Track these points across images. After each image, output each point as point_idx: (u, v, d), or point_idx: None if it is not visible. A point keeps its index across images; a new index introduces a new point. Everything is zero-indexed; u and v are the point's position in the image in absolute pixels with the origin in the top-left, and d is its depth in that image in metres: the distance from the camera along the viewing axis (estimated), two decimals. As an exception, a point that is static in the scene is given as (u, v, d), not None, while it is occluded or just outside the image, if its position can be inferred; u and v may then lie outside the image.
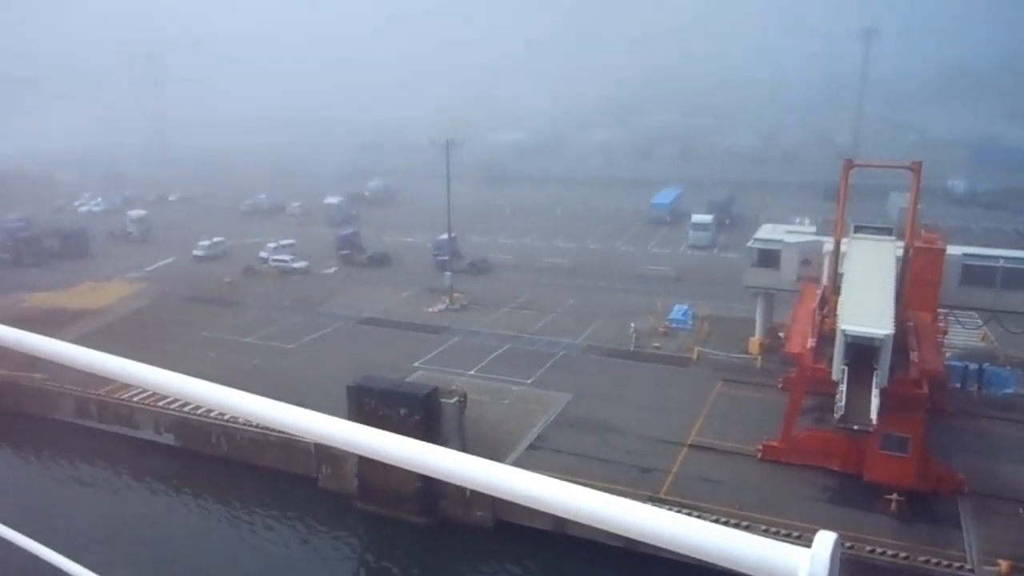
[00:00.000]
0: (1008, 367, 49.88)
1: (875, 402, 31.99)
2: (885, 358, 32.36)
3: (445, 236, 75.02)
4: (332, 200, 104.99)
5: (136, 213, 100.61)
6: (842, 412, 32.21)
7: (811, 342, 37.10)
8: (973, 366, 48.10)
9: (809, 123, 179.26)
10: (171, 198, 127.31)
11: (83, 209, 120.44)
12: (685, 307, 60.67)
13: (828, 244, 48.39)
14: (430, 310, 64.23)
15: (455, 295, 65.69)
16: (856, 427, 32.14)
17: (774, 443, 38.45)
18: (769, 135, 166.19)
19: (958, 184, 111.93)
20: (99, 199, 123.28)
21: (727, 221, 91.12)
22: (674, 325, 58.53)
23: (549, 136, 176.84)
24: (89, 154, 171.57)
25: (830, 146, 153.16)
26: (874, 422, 31.69)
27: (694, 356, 52.47)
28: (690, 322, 58.96)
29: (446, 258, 72.77)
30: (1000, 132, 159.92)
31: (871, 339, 32.65)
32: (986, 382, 47.61)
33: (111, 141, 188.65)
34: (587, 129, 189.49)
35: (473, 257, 77.25)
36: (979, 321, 53.90)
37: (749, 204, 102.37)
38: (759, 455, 38.71)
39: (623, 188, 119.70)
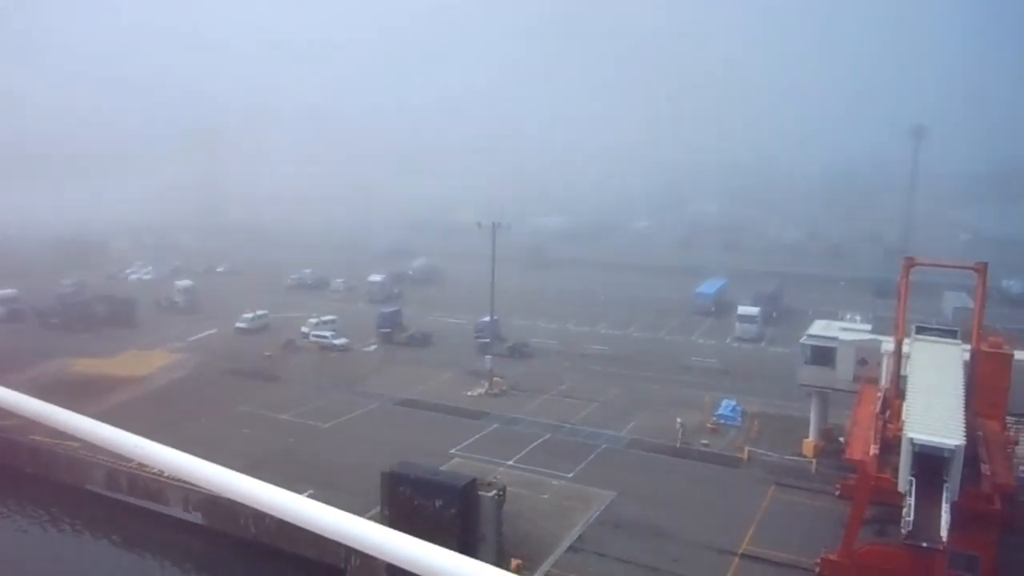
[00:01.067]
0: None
1: (945, 518, 29.66)
2: (956, 470, 30.19)
3: (487, 319, 74.25)
4: (376, 278, 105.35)
5: (183, 283, 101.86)
6: (910, 528, 29.87)
7: (874, 449, 34.92)
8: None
9: (856, 218, 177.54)
10: (219, 269, 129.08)
11: (133, 277, 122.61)
12: (734, 403, 58.50)
13: (886, 343, 46.63)
14: (470, 394, 62.90)
15: (495, 379, 64.39)
16: (925, 544, 29.69)
17: (833, 557, 35.87)
18: (815, 229, 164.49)
19: (1015, 285, 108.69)
20: (149, 268, 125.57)
21: (774, 314, 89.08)
22: (722, 421, 56.32)
23: (592, 221, 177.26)
24: (143, 224, 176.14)
25: (878, 242, 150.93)
26: (944, 540, 29.29)
27: (744, 456, 50.14)
28: (739, 419, 56.72)
29: (487, 341, 71.75)
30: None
31: (941, 449, 30.54)
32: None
33: (166, 212, 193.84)
34: (630, 215, 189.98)
35: (515, 340, 76.15)
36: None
37: (796, 298, 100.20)
38: (817, 570, 36.12)
39: (666, 276, 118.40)
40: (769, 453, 50.69)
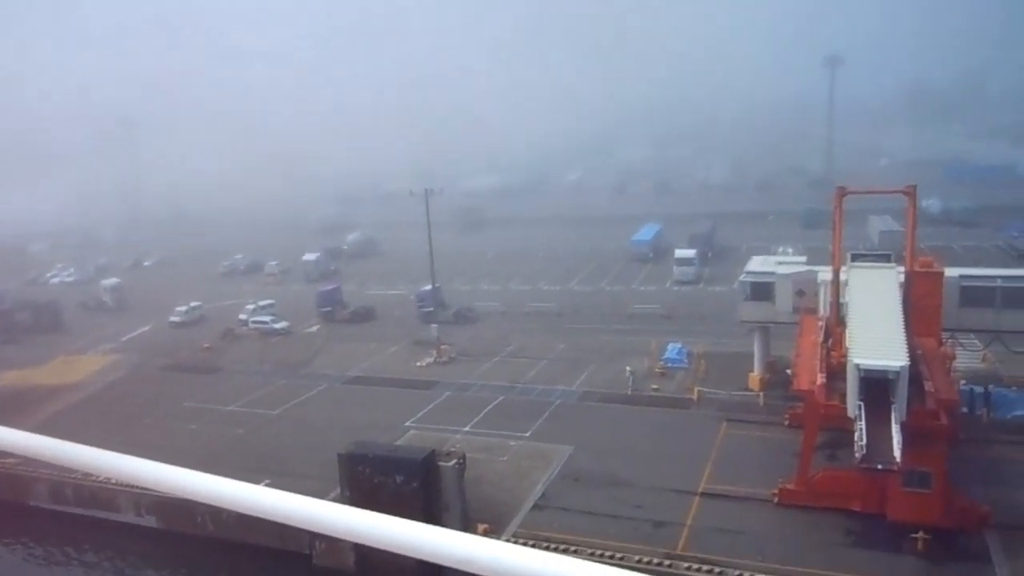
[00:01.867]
0: (1014, 388, 48.76)
1: (897, 438, 30.54)
2: (903, 391, 31.02)
3: (429, 287, 73.49)
4: (310, 256, 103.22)
5: (109, 282, 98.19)
6: (864, 452, 30.67)
7: (821, 378, 35.72)
8: (979, 389, 46.91)
9: (780, 152, 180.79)
10: (146, 263, 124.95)
11: (55, 280, 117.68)
12: (679, 346, 59.26)
13: (822, 274, 47.60)
14: (418, 364, 62.36)
15: (443, 347, 63.92)
16: (880, 466, 30.58)
17: (790, 487, 36.82)
18: (741, 166, 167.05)
19: (933, 204, 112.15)
20: (71, 269, 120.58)
21: (710, 254, 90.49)
22: (670, 365, 57.07)
23: (523, 177, 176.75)
24: (62, 224, 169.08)
25: (803, 174, 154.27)
26: (898, 460, 30.19)
27: (695, 397, 50.95)
28: (686, 361, 57.55)
29: (431, 309, 71.11)
30: (967, 150, 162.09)
31: (886, 371, 31.33)
32: (994, 405, 46.42)
33: (84, 209, 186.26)
34: (560, 168, 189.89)
35: (458, 306, 75.66)
36: (978, 343, 52.86)
37: (729, 236, 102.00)
38: (776, 500, 37.03)
39: (602, 226, 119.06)
40: (717, 391, 51.54)
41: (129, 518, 44.38)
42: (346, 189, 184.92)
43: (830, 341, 39.64)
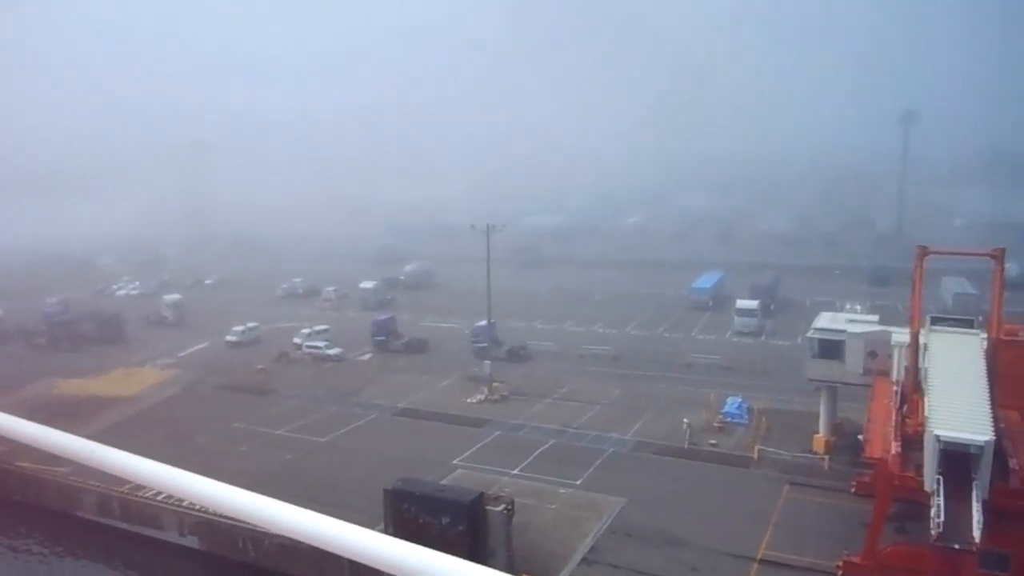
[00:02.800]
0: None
1: (977, 517, 28.39)
2: (986, 467, 28.94)
3: (484, 322, 72.86)
4: (367, 284, 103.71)
5: (171, 297, 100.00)
6: (940, 529, 28.57)
7: (896, 447, 33.66)
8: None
9: (847, 206, 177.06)
10: (207, 282, 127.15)
11: (120, 293, 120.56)
12: (739, 400, 57.20)
13: (896, 335, 45.46)
14: (470, 401, 61.42)
15: (495, 385, 62.93)
16: (959, 546, 28.42)
17: (857, 559, 34.60)
18: (806, 218, 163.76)
19: (1011, 268, 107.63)
20: (136, 283, 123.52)
21: (772, 306, 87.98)
22: (729, 419, 55.02)
23: (583, 219, 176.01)
24: (131, 239, 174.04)
25: (870, 229, 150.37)
26: (977, 540, 28.02)
27: (755, 455, 48.90)
28: (746, 416, 55.42)
29: (485, 345, 70.35)
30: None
31: (968, 446, 29.28)
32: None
33: (151, 226, 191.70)
34: (621, 212, 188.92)
35: (512, 344, 74.67)
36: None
37: (793, 289, 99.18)
38: (839, 572, 34.85)
39: (660, 271, 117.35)
40: (779, 451, 49.45)
41: (172, 537, 44.08)
42: (405, 221, 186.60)
43: (906, 408, 37.52)
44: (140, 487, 45.23)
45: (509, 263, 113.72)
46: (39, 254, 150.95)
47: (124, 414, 61.27)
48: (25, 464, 49.51)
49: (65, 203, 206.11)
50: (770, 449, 49.63)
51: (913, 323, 38.15)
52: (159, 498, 44.68)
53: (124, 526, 45.76)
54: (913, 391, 37.09)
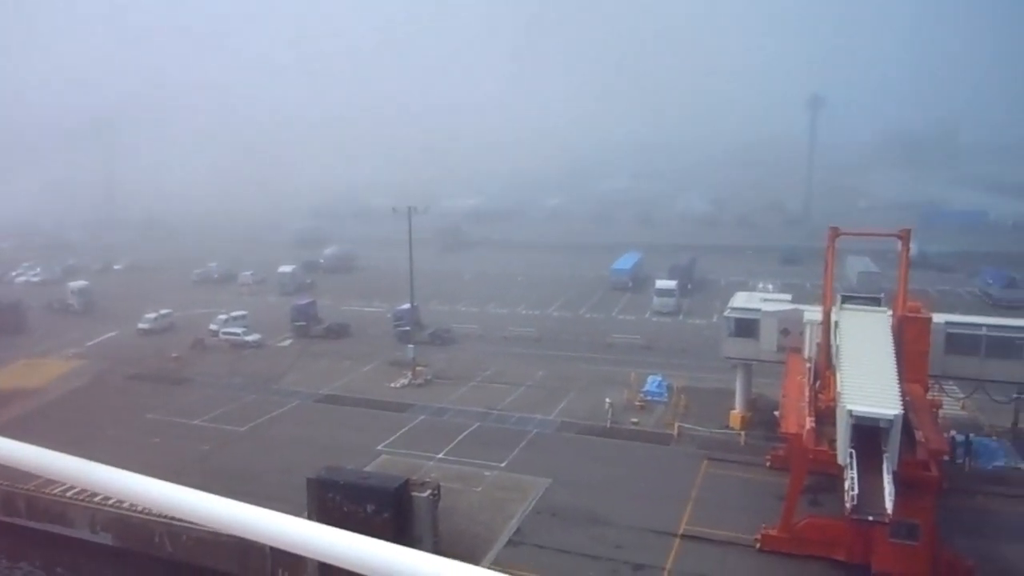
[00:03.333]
0: (994, 437, 48.47)
1: (889, 489, 29.70)
2: (895, 440, 30.25)
3: (406, 306, 72.24)
4: (286, 268, 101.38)
5: (77, 284, 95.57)
6: (855, 502, 29.79)
7: (809, 422, 34.93)
8: (960, 437, 46.44)
9: (759, 190, 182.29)
10: (116, 267, 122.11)
11: (21, 280, 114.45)
12: (659, 378, 58.41)
13: (808, 313, 47.08)
14: (393, 385, 60.87)
15: (418, 368, 62.53)
16: (872, 518, 29.71)
17: (774, 532, 35.85)
18: (721, 201, 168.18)
19: (913, 247, 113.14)
20: (38, 269, 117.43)
21: (689, 286, 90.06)
22: (650, 398, 56.12)
23: (505, 201, 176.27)
24: (31, 222, 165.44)
25: (781, 211, 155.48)
26: (889, 512, 29.34)
27: (675, 432, 50.02)
28: (666, 394, 56.64)
29: (407, 329, 69.82)
30: (943, 195, 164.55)
31: (879, 420, 30.57)
32: (975, 454, 45.96)
33: (55, 209, 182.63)
34: (540, 195, 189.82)
35: (435, 327, 74.30)
36: (958, 390, 52.54)
37: (709, 269, 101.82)
38: (758, 546, 36.03)
39: (581, 254, 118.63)
40: (698, 427, 50.70)
41: (84, 534, 42.20)
42: (324, 203, 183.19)
43: (818, 383, 38.95)
44: (47, 484, 43.26)
45: (431, 245, 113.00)
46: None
47: (27, 407, 58.33)
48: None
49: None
50: (689, 426, 50.82)
51: (825, 301, 39.56)
52: (68, 495, 42.81)
53: (32, 524, 43.59)
54: (826, 367, 38.51)
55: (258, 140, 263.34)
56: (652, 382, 57.80)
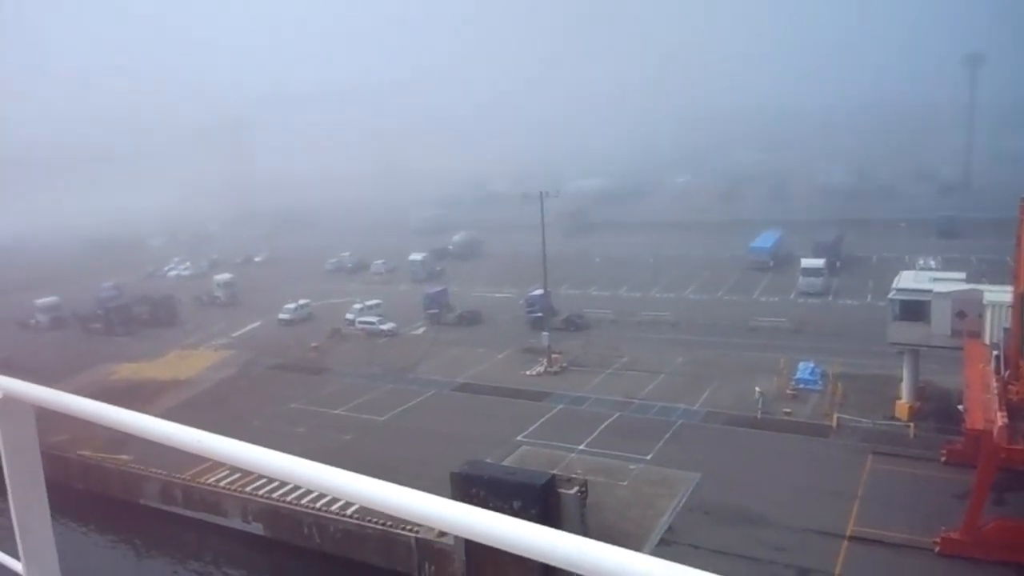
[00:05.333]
0: None
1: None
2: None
3: (538, 291, 71.01)
4: (416, 256, 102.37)
5: (222, 277, 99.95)
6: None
7: (1001, 417, 30.99)
8: None
9: (906, 155, 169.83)
10: (256, 259, 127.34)
11: (172, 274, 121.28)
12: (811, 365, 54.48)
13: (989, 293, 42.39)
14: (528, 373, 59.75)
15: (554, 356, 61.12)
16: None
17: (956, 535, 32.26)
18: (863, 170, 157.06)
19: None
20: (187, 263, 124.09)
21: (837, 264, 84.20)
22: (802, 386, 52.43)
23: (630, 181, 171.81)
24: (178, 218, 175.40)
25: (932, 179, 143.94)
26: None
27: (833, 424, 46.35)
28: (820, 382, 52.73)
29: (540, 315, 68.55)
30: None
31: (1091, 417, 26.58)
32: None
33: (199, 204, 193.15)
34: (668, 171, 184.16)
35: (568, 312, 72.65)
36: None
37: (856, 245, 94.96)
38: (937, 549, 32.54)
39: (714, 232, 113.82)
40: (859, 419, 46.78)
41: (236, 523, 43.36)
42: (448, 190, 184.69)
43: (1006, 374, 34.70)
44: (202, 473, 44.66)
45: (557, 228, 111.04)
46: (90, 239, 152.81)
47: (181, 397, 60.97)
48: (87, 452, 49.31)
49: (107, 187, 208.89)
50: (849, 417, 47.01)
51: (1018, 282, 35.07)
52: (221, 484, 44.03)
53: (188, 513, 45.22)
54: (1019, 356, 34.19)
55: (379, 130, 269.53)
56: (804, 369, 54.00)
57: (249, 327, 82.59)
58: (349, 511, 39.55)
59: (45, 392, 3.11)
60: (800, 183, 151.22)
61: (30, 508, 3.19)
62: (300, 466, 2.37)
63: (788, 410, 49.19)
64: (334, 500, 40.58)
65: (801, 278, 77.14)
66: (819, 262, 78.15)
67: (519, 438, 47.59)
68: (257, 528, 42.66)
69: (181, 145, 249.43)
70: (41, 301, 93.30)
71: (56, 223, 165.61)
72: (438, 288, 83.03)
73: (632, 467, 42.64)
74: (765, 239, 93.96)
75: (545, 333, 62.83)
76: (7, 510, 3.10)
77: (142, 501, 46.85)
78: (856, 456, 42.43)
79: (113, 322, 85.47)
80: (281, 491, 42.12)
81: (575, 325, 70.67)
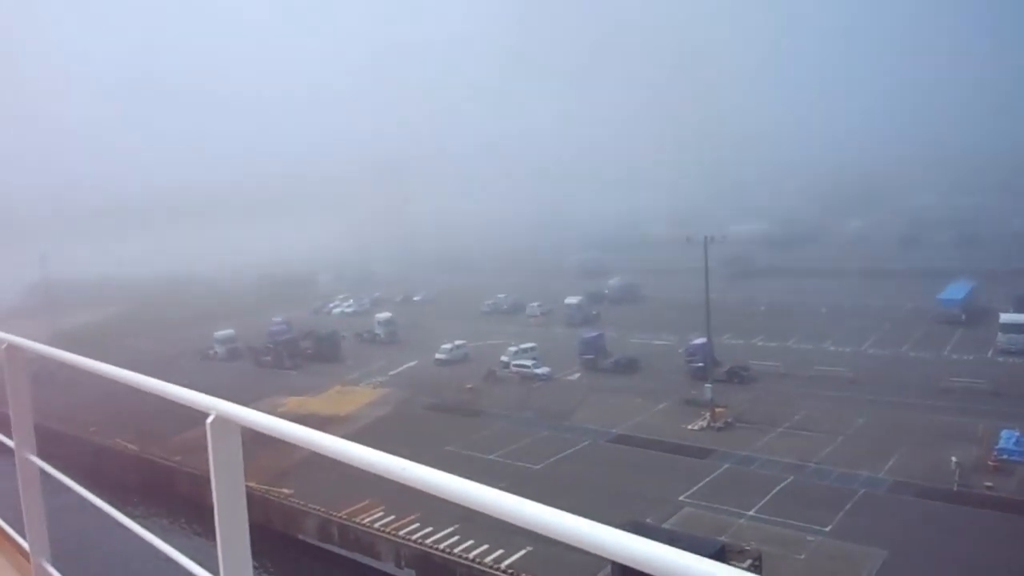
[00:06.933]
0: None
1: None
2: None
3: (700, 340, 67.73)
4: (572, 300, 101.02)
5: (383, 316, 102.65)
6: None
7: None
8: None
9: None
10: (416, 298, 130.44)
11: (337, 311, 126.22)
12: (1016, 433, 48.06)
13: None
14: (690, 427, 56.44)
15: (718, 410, 57.49)
16: None
17: None
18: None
19: None
20: (351, 301, 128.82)
21: (1041, 320, 74.95)
22: (1005, 457, 46.27)
23: (796, 225, 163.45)
24: (345, 256, 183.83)
25: None
26: None
27: (1047, 503, 40.34)
28: (1028, 454, 46.37)
29: (702, 365, 65.17)
30: None
31: None
32: None
33: (364, 243, 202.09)
34: (837, 215, 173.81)
35: (732, 363, 68.57)
36: None
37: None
38: None
39: (892, 281, 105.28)
40: (1078, 499, 40.53)
41: (389, 567, 42.91)
42: (604, 233, 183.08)
43: None
44: (358, 512, 44.64)
45: (718, 274, 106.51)
46: (265, 274, 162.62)
47: (340, 433, 60.41)
48: (252, 484, 50.67)
49: (282, 225, 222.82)
50: (1066, 497, 40.79)
51: None
52: (376, 526, 43.78)
53: (342, 552, 45.32)
54: None
55: (536, 173, 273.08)
56: (1008, 438, 47.68)
57: (406, 365, 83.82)
58: (504, 564, 38.02)
59: (254, 414, 3.25)
60: (992, 228, 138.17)
61: (232, 527, 3.33)
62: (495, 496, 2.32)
63: (990, 483, 43.40)
64: (488, 551, 39.28)
65: (1001, 335, 69.14)
66: (1022, 317, 69.89)
67: (682, 498, 44.53)
68: (409, 574, 41.96)
69: (350, 186, 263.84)
70: (219, 333, 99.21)
71: (235, 260, 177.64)
72: (594, 333, 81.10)
73: (810, 539, 38.63)
74: (956, 290, 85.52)
75: (708, 385, 59.41)
76: (210, 528, 3.22)
77: (300, 536, 47.47)
78: (1078, 544, 36.49)
79: (282, 355, 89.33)
80: (435, 537, 41.28)
81: (740, 377, 66.50)
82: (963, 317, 79.67)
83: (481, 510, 2.36)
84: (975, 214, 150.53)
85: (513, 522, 2.25)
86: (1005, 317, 70.19)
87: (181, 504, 52.73)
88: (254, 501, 48.70)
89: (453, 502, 2.48)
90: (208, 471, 3.27)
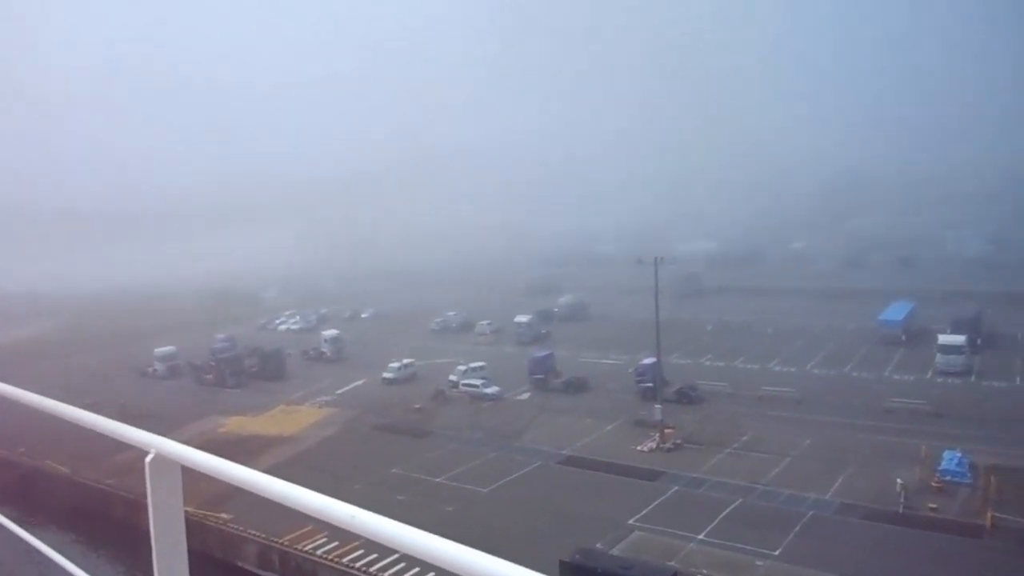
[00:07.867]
0: None
1: None
2: None
3: (650, 360, 67.78)
4: (522, 318, 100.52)
5: (329, 333, 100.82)
6: None
7: None
8: None
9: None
10: (363, 315, 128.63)
11: (283, 328, 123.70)
12: (958, 454, 48.90)
13: None
14: (639, 449, 56.18)
15: (667, 431, 57.41)
16: None
17: None
18: (1004, 240, 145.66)
19: None
20: (297, 317, 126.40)
21: (978, 341, 77.00)
22: (948, 478, 46.97)
23: (742, 245, 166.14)
24: (292, 272, 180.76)
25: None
26: None
27: (988, 523, 40.94)
28: (969, 475, 47.14)
29: (651, 385, 65.15)
30: None
31: None
32: None
33: (315, 259, 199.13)
34: (783, 235, 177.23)
35: (681, 384, 68.72)
36: None
37: (998, 320, 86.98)
38: None
39: (835, 302, 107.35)
40: (1019, 518, 41.24)
41: (331, 596, 41.49)
42: (554, 251, 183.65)
43: None
44: (300, 539, 43.17)
45: (666, 293, 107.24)
46: (208, 288, 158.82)
47: (284, 455, 60.39)
48: (190, 508, 48.75)
49: (222, 239, 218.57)
50: (1006, 516, 41.50)
51: None
52: (318, 553, 42.38)
53: (283, 580, 43.76)
54: None
55: (488, 190, 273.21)
56: (950, 459, 48.46)
57: (353, 384, 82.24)
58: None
59: (196, 454, 3.14)
60: (929, 251, 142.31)
61: (171, 566, 3.22)
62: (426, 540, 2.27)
63: (934, 505, 43.90)
64: (434, 580, 38.21)
65: (939, 356, 70.67)
66: (959, 338, 71.55)
67: (631, 521, 44.08)
68: (352, 603, 40.61)
69: (299, 199, 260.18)
70: (159, 350, 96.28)
71: (176, 273, 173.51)
72: (544, 352, 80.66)
73: (759, 563, 38.50)
74: (896, 311, 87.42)
75: (658, 406, 59.31)
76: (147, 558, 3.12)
77: (239, 563, 45.75)
78: (1017, 561, 37.14)
79: (224, 373, 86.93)
80: (379, 565, 40.07)
81: (688, 398, 66.66)
82: (903, 337, 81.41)
83: (435, 563, 2.19)
84: (912, 236, 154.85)
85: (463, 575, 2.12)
86: (943, 338, 71.81)
87: (115, 530, 50.48)
88: (191, 526, 47.01)
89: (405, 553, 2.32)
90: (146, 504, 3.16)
